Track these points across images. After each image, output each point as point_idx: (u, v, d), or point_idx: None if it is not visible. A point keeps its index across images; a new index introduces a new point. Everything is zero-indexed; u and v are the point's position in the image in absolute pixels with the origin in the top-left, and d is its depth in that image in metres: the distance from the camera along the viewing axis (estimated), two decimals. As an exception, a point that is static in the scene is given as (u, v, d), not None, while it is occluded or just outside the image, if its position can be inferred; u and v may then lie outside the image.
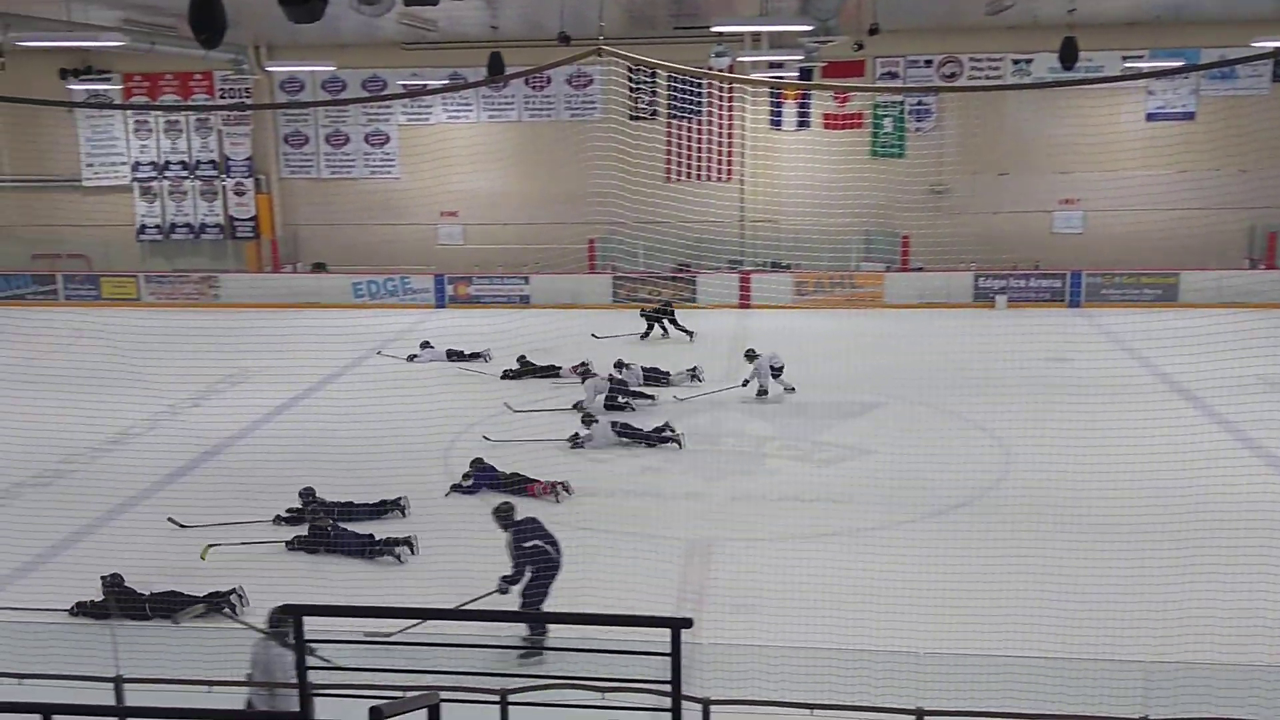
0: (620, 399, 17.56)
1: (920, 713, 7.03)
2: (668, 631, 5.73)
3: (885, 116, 27.83)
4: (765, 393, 18.01)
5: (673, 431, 15.73)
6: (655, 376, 18.93)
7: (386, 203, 29.86)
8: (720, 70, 22.91)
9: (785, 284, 26.84)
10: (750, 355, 18.14)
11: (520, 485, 13.40)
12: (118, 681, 7.42)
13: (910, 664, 8.03)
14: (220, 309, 28.34)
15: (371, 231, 29.60)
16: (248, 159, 30.17)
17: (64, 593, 10.75)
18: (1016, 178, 27.64)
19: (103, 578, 10.76)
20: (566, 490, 13.59)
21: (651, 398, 17.97)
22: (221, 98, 29.59)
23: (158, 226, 30.62)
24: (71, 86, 27.35)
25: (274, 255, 30.20)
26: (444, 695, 5.73)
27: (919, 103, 27.60)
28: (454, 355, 21.31)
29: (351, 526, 12.35)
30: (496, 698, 6.88)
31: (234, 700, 7.28)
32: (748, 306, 26.56)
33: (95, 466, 15.38)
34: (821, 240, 25.51)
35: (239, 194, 30.32)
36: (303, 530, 12.37)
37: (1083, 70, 23.18)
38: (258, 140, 30.15)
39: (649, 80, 27.12)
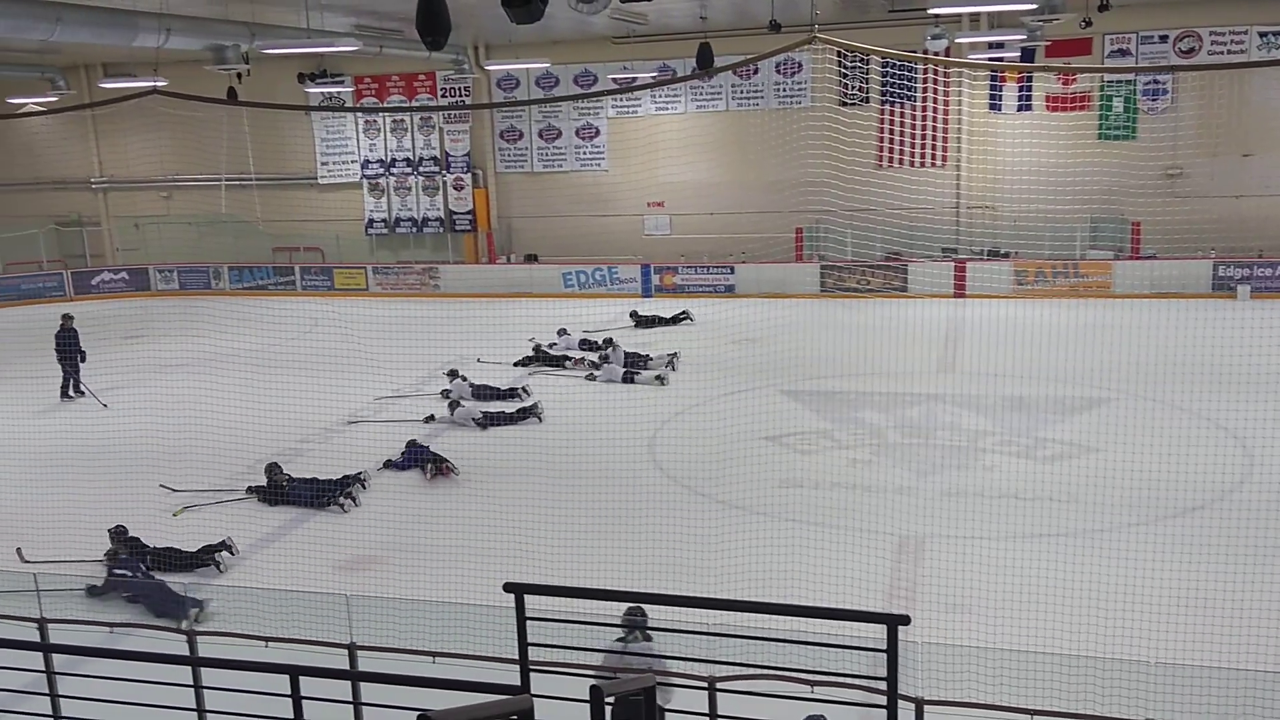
0: (486, 394, 18.59)
1: (1151, 725, 6.64)
2: (879, 627, 5.62)
3: (1115, 97, 26.24)
4: (593, 378, 19.75)
5: (536, 409, 17.33)
6: (636, 360, 20.19)
7: (595, 194, 30.48)
8: (937, 53, 22.18)
9: (1004, 272, 25.81)
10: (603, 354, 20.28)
11: (436, 464, 14.76)
12: (351, 648, 7.89)
13: (1140, 673, 7.56)
14: (440, 298, 29.66)
15: (581, 223, 30.30)
16: (466, 155, 31.42)
17: (294, 569, 11.50)
18: (1262, 158, 25.60)
19: (109, 530, 11.97)
20: (453, 470, 14.72)
21: (517, 394, 18.52)
22: (443, 96, 30.93)
23: (384, 221, 32.31)
24: (309, 90, 29.14)
25: (489, 247, 31.34)
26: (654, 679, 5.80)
27: (1152, 81, 25.89)
28: (585, 344, 21.77)
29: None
30: (705, 684, 6.92)
31: (456, 670, 7.60)
32: (963, 296, 25.69)
33: (329, 445, 16.36)
34: (1043, 227, 24.40)
35: (458, 189, 31.62)
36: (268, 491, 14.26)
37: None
38: (476, 136, 31.35)
39: (860, 65, 26.57)
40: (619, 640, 7.31)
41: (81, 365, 19.75)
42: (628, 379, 19.37)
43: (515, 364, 20.86)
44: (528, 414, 17.37)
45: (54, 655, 7.46)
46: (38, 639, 8.17)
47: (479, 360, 20.54)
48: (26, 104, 27.36)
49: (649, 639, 7.28)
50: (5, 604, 9.00)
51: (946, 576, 10.81)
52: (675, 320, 24.42)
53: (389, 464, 15.16)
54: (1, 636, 7.20)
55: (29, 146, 33.42)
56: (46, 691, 7.50)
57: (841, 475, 14.34)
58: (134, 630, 9.18)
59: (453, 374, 19.08)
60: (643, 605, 7.37)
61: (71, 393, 19.90)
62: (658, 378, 19.18)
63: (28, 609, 8.70)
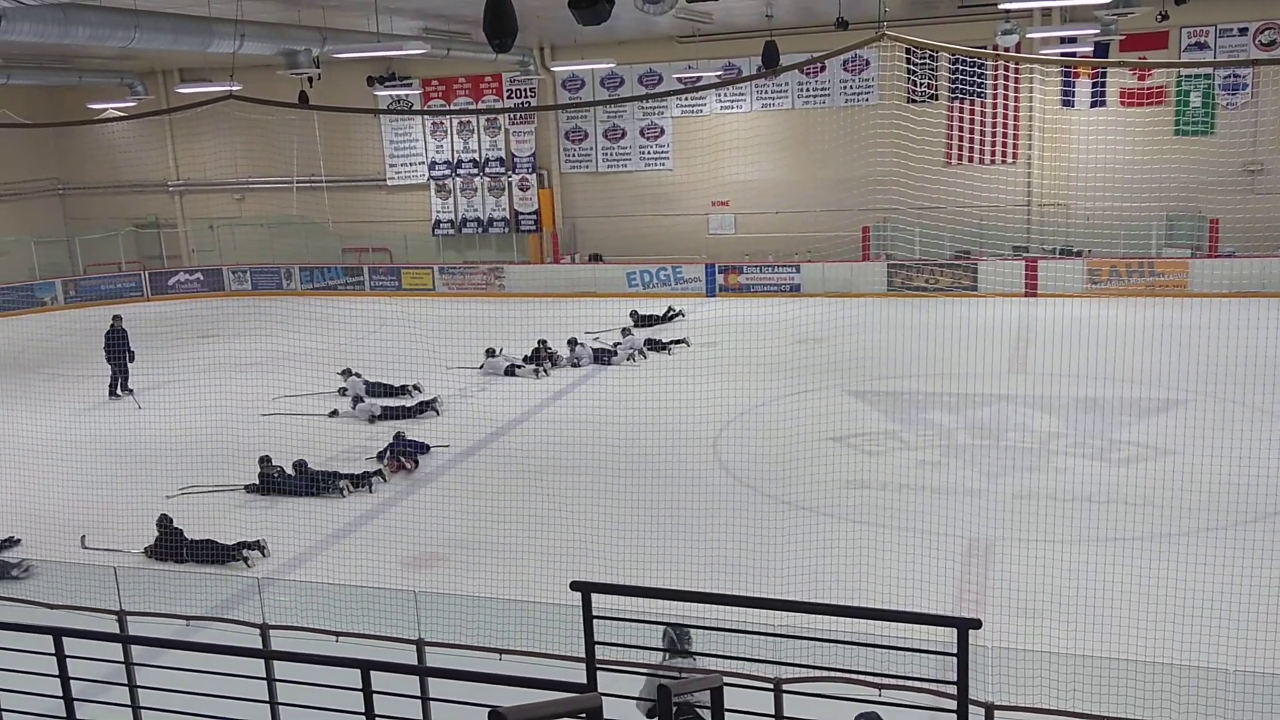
0: (378, 391, 19.44)
1: (1231, 735, 6.47)
2: (948, 631, 5.55)
3: (1192, 91, 25.59)
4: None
5: (434, 403, 18.31)
6: (604, 354, 21.56)
7: (660, 194, 30.47)
8: (1007, 49, 21.82)
9: (1076, 271, 25.32)
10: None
11: (396, 457, 15.51)
12: (419, 644, 7.99)
13: (1218, 681, 7.39)
14: (505, 298, 29.90)
15: (645, 222, 30.32)
16: (531, 155, 31.62)
17: (361, 565, 11.67)
18: (1346, 154, 24.81)
19: (157, 521, 12.79)
20: (410, 466, 15.46)
21: (408, 391, 19.45)
22: (509, 97, 31.16)
23: (450, 221, 32.64)
24: (377, 93, 29.53)
25: (554, 247, 31.50)
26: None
27: (1231, 75, 25.20)
28: (652, 344, 21.91)
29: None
30: (771, 685, 6.88)
31: (522, 667, 7.65)
32: (1034, 295, 25.27)
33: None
34: (1117, 224, 23.90)
35: (523, 189, 31.83)
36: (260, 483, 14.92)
37: None
38: (541, 137, 31.53)
39: (929, 62, 26.24)
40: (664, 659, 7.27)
41: (130, 365, 20.29)
42: (509, 372, 20.64)
43: (524, 359, 21.20)
44: (425, 408, 18.17)
45: (132, 647, 7.65)
46: (117, 630, 8.39)
47: (500, 351, 21.30)
48: (107, 109, 28.12)
49: (689, 656, 7.21)
50: (87, 596, 9.25)
51: (1017, 580, 10.64)
52: (667, 318, 25.19)
53: (380, 455, 15.72)
54: (83, 628, 7.41)
55: (109, 151, 34.34)
56: (125, 682, 7.70)
57: (909, 477, 14.18)
58: (210, 624, 9.39)
59: (346, 372, 19.58)
60: (687, 628, 7.26)
61: (119, 391, 20.39)
62: (534, 371, 20.66)
63: (108, 600, 8.93)
